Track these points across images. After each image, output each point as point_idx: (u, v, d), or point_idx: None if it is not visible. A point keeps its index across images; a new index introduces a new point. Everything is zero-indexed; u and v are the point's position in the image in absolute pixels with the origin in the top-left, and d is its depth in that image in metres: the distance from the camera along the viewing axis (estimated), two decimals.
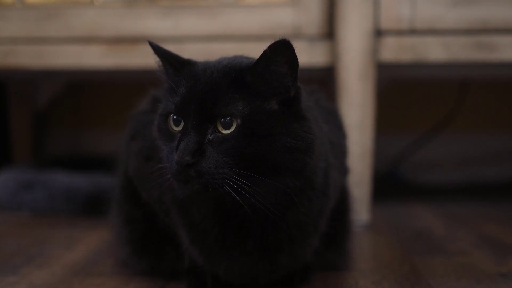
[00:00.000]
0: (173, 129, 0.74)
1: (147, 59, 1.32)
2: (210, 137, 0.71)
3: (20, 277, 0.93)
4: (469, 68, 1.53)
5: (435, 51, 1.29)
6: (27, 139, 1.94)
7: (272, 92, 0.73)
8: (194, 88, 0.73)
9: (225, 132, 0.71)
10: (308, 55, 1.31)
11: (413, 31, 1.29)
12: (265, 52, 0.71)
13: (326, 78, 1.46)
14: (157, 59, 0.79)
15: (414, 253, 1.07)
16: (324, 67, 1.32)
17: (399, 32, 1.29)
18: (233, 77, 0.73)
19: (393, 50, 1.29)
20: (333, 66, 1.29)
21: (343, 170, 0.97)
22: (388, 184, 1.91)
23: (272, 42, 0.70)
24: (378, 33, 1.29)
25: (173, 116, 0.74)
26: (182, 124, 0.73)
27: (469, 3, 1.29)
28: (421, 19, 1.29)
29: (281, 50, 0.71)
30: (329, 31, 1.31)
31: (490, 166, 1.96)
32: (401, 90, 1.94)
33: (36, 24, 1.37)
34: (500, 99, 1.99)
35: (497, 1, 1.28)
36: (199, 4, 1.34)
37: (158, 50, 0.78)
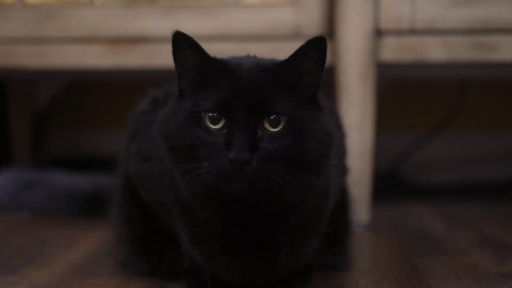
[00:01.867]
0: (211, 127, 0.72)
1: (147, 59, 1.34)
2: (260, 134, 0.71)
3: (20, 277, 0.93)
4: (469, 68, 1.53)
5: (435, 51, 1.29)
6: (27, 139, 1.94)
7: (303, 87, 0.75)
8: (239, 84, 0.72)
9: (272, 129, 0.72)
10: None
11: (413, 31, 1.29)
12: (302, 47, 0.73)
13: (326, 78, 1.46)
14: (184, 52, 0.74)
15: (414, 253, 1.07)
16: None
17: (399, 32, 1.29)
18: (274, 74, 0.74)
19: (393, 50, 1.29)
20: (333, 66, 1.29)
21: (343, 170, 0.97)
22: (388, 184, 1.91)
23: (309, 39, 0.72)
24: (378, 33, 1.29)
25: (210, 114, 0.72)
26: (222, 122, 0.72)
27: (469, 3, 1.29)
28: (421, 19, 1.29)
29: (317, 46, 0.73)
30: (329, 31, 1.31)
31: (490, 166, 1.96)
32: (401, 90, 1.94)
33: (36, 24, 1.37)
34: (500, 99, 1.99)
35: (497, 1, 1.28)
36: (199, 4, 1.34)
37: (191, 42, 0.74)
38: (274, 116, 0.71)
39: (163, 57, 1.32)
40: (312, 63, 0.74)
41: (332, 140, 0.76)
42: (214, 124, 0.72)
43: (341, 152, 0.97)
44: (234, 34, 1.32)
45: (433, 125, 1.94)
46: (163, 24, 1.33)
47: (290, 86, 0.74)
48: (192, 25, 1.32)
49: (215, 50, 1.32)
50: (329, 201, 0.84)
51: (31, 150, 1.95)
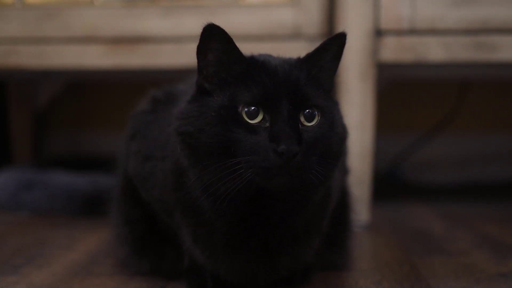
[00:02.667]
0: (250, 122, 0.71)
1: (147, 59, 1.33)
2: (301, 128, 0.72)
3: (20, 277, 0.93)
4: (469, 68, 1.53)
5: (435, 51, 1.29)
6: (27, 139, 1.94)
7: (325, 82, 0.77)
8: (278, 79, 0.73)
9: (308, 123, 0.73)
10: None
11: (413, 31, 1.29)
12: (324, 42, 0.75)
13: None
14: (215, 45, 0.72)
15: (414, 253, 1.07)
16: None
17: (399, 32, 1.29)
18: (305, 69, 0.75)
19: (393, 50, 1.29)
20: None
21: (343, 170, 0.97)
22: (388, 184, 1.91)
23: (331, 36, 0.75)
24: (378, 33, 1.29)
25: (249, 108, 0.71)
26: (260, 116, 0.71)
27: (469, 3, 1.29)
28: (421, 19, 1.29)
29: (338, 42, 0.75)
30: (329, 31, 1.31)
31: (490, 166, 1.96)
32: (401, 90, 1.94)
33: (36, 24, 1.37)
34: (500, 99, 1.98)
35: (497, 1, 1.28)
36: (199, 4, 1.34)
37: (225, 36, 0.72)
38: (308, 110, 0.73)
39: (163, 57, 1.32)
40: (332, 58, 0.76)
41: (347, 133, 0.80)
42: (252, 118, 0.71)
43: None
44: (234, 34, 1.30)
45: (433, 125, 1.94)
46: (163, 24, 1.33)
47: (317, 81, 0.76)
48: (192, 25, 1.32)
49: None
50: (331, 201, 0.85)
51: (31, 150, 1.95)
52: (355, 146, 1.24)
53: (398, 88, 1.90)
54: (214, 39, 0.73)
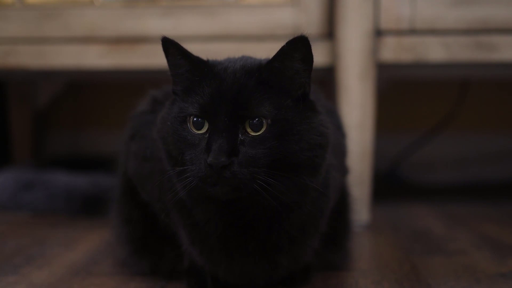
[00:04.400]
0: (194, 132, 0.73)
1: (147, 59, 1.33)
2: (242, 138, 0.71)
3: (20, 277, 0.93)
4: (469, 68, 1.53)
5: (435, 51, 1.29)
6: (27, 139, 1.94)
7: (288, 88, 0.74)
8: (221, 89, 0.72)
9: (254, 133, 0.71)
10: None
11: (413, 31, 1.29)
12: (283, 48, 0.72)
13: (326, 78, 1.46)
14: (172, 57, 0.76)
15: (414, 253, 1.07)
16: (324, 67, 1.32)
17: (399, 32, 1.29)
18: (257, 76, 0.73)
19: (393, 50, 1.29)
20: (333, 66, 1.29)
21: (343, 170, 0.97)
22: (388, 184, 1.91)
23: (292, 38, 0.71)
24: (378, 33, 1.29)
25: (194, 118, 0.73)
26: (206, 126, 0.72)
27: (469, 3, 1.29)
28: (421, 19, 1.29)
29: (298, 46, 0.72)
30: (329, 31, 1.31)
31: (490, 166, 1.96)
32: (401, 90, 1.94)
33: (36, 24, 1.37)
34: (500, 99, 1.98)
35: (497, 1, 1.28)
36: (199, 4, 1.34)
37: (177, 48, 0.75)
38: (256, 119, 0.71)
39: (163, 57, 1.30)
40: (296, 64, 0.73)
41: (325, 140, 0.75)
42: (198, 129, 0.73)
43: (342, 152, 0.97)
44: (234, 34, 1.32)
45: (433, 125, 1.94)
46: (163, 24, 1.33)
47: (274, 88, 0.73)
48: (192, 25, 1.32)
49: (215, 50, 1.33)
50: (329, 201, 0.84)
51: (31, 150, 1.95)
52: (355, 146, 1.24)
53: (398, 88, 1.90)
54: (169, 52, 0.76)
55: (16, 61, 1.37)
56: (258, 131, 0.71)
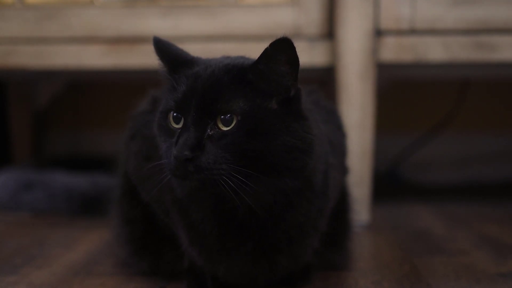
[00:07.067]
0: (173, 126, 0.74)
1: (147, 59, 1.33)
2: (210, 133, 0.71)
3: (20, 277, 0.93)
4: (469, 68, 1.53)
5: (435, 51, 1.29)
6: (27, 139, 1.94)
7: (272, 91, 0.73)
8: (195, 84, 0.73)
9: (224, 128, 0.71)
10: (308, 55, 1.31)
11: (413, 31, 1.29)
12: (266, 50, 0.71)
13: (326, 78, 1.46)
14: (159, 55, 0.79)
15: (414, 253, 1.07)
16: (324, 67, 1.32)
17: (399, 32, 1.29)
18: (235, 74, 0.73)
19: (393, 50, 1.29)
20: (333, 66, 1.29)
21: (343, 170, 0.97)
22: (388, 184, 1.91)
23: (275, 40, 0.70)
24: (378, 33, 1.29)
25: (173, 113, 0.74)
26: (182, 121, 0.73)
27: (469, 3, 1.29)
28: (421, 19, 1.29)
29: (282, 49, 0.71)
30: (329, 31, 1.31)
31: (490, 166, 1.96)
32: (401, 90, 1.94)
33: (36, 24, 1.37)
34: (500, 99, 1.98)
35: (497, 1, 1.28)
36: (199, 4, 1.34)
37: (161, 47, 0.78)
38: (227, 115, 0.71)
39: None
40: (281, 67, 0.72)
41: (305, 145, 0.74)
42: (176, 123, 0.74)
43: (341, 152, 0.97)
44: (234, 34, 1.32)
45: (433, 125, 1.94)
46: (163, 24, 1.33)
47: (253, 88, 0.73)
48: (192, 25, 1.32)
49: (215, 50, 1.33)
50: (329, 201, 0.84)
51: (31, 150, 1.95)
52: (355, 146, 1.24)
53: (398, 88, 1.90)
54: (157, 51, 0.79)
55: (16, 61, 1.37)
56: (228, 126, 0.72)
